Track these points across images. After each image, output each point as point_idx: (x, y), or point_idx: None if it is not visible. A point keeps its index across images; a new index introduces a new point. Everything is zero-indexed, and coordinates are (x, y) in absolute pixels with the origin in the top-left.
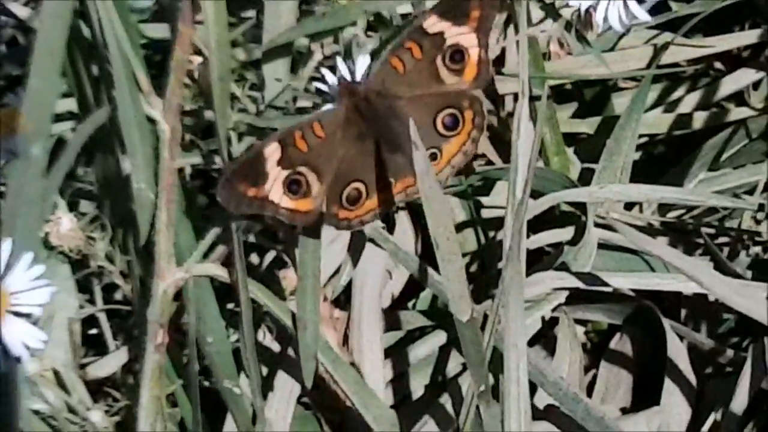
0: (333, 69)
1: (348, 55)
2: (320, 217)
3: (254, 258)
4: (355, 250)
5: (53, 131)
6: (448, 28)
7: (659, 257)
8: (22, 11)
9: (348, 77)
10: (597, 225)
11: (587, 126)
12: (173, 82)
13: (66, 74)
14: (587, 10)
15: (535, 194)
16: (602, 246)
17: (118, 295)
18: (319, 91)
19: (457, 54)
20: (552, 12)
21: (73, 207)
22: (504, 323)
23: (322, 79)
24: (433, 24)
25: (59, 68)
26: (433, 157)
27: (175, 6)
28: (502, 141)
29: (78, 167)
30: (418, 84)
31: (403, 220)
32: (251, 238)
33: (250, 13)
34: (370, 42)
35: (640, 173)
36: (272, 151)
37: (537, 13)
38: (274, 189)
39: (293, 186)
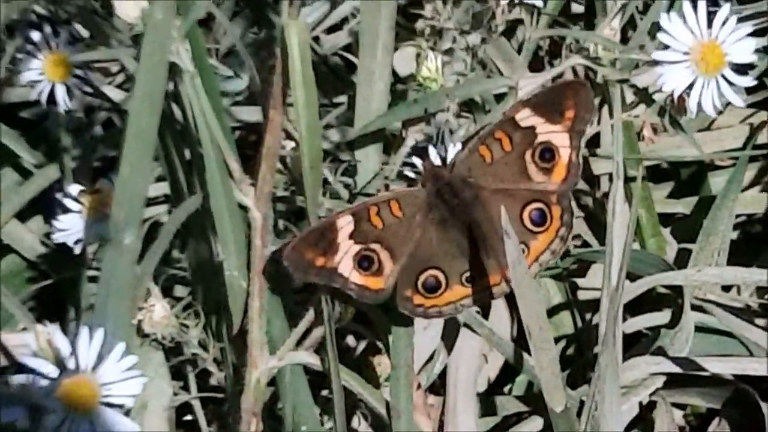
0: (424, 154)
1: (439, 140)
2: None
3: (351, 341)
4: (449, 336)
5: (147, 215)
6: (540, 124)
7: (756, 342)
8: (115, 94)
9: (438, 162)
10: (694, 308)
11: (683, 206)
12: (264, 169)
13: (159, 158)
14: (680, 96)
15: (631, 276)
16: (699, 329)
17: (212, 381)
18: (408, 178)
19: (548, 152)
20: (645, 97)
21: (167, 292)
22: (600, 411)
23: (413, 166)
24: (525, 117)
25: (151, 154)
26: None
27: (267, 89)
28: (597, 222)
29: (172, 251)
30: (505, 176)
31: (498, 304)
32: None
33: (342, 98)
34: (463, 126)
35: (738, 253)
36: (345, 223)
37: (630, 97)
38: (344, 262)
39: (364, 262)
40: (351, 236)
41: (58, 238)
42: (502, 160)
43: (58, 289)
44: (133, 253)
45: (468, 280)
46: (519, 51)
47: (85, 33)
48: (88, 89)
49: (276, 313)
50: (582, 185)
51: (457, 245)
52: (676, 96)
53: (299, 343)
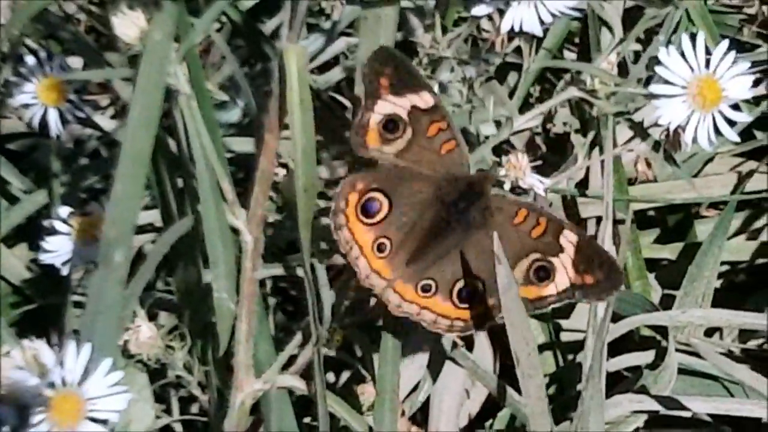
0: None
1: None
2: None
3: (332, 374)
4: (434, 367)
5: (134, 242)
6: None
7: (741, 382)
8: (107, 123)
9: None
10: (677, 350)
11: (669, 252)
12: (257, 193)
13: (150, 186)
14: (675, 130)
15: (616, 317)
16: (681, 371)
17: (194, 408)
18: None
19: (543, 271)
20: (640, 131)
21: (151, 318)
22: None
23: None
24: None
25: (144, 175)
26: None
27: (261, 119)
28: None
29: (158, 277)
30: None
31: (481, 338)
32: (330, 353)
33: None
34: None
35: (721, 301)
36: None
37: (621, 133)
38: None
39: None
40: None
41: (45, 259)
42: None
43: (42, 314)
44: (123, 271)
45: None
46: (510, 96)
47: (77, 64)
48: (81, 115)
49: (263, 337)
50: None
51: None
52: (671, 130)
53: (285, 367)
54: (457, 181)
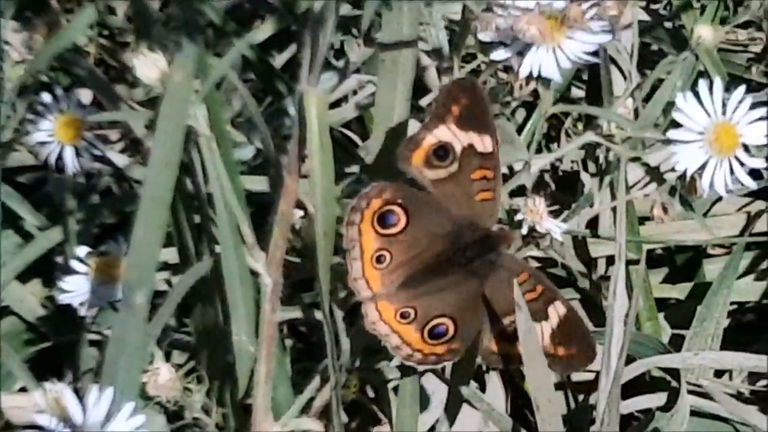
0: None
1: None
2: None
3: (347, 415)
4: (451, 410)
5: None
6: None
7: (753, 426)
8: (120, 159)
9: None
10: (687, 391)
11: (678, 291)
12: (277, 235)
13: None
14: (692, 175)
15: (627, 359)
16: (693, 413)
17: None
18: None
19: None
20: (656, 176)
21: (166, 359)
22: None
23: None
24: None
25: (166, 216)
26: None
27: (278, 159)
28: (593, 305)
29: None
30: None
31: (494, 379)
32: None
33: (354, 168)
34: None
35: (730, 341)
36: None
37: (633, 174)
38: None
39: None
40: None
41: (63, 299)
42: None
43: (55, 352)
44: (144, 313)
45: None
46: (518, 132)
47: (86, 97)
48: (96, 152)
49: (281, 380)
50: (579, 267)
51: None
52: (688, 175)
53: (303, 410)
54: (477, 230)
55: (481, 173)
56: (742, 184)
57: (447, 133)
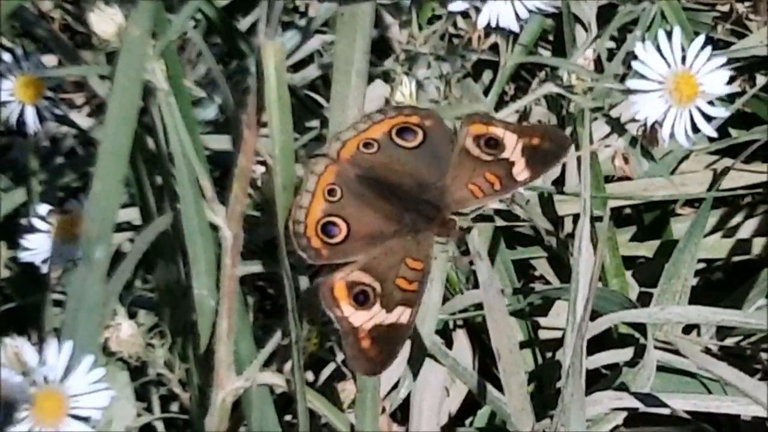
0: None
1: None
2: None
3: (312, 372)
4: (414, 364)
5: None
6: None
7: (720, 378)
8: (84, 121)
9: None
10: (655, 347)
11: (646, 249)
12: (237, 189)
13: (128, 184)
14: (653, 125)
15: (594, 315)
16: (660, 368)
17: (175, 406)
18: None
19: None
20: (618, 127)
21: (131, 316)
22: None
23: None
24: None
25: (123, 173)
26: None
27: (238, 117)
28: (560, 263)
29: (135, 277)
30: None
31: (460, 337)
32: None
33: (314, 123)
34: None
35: (698, 299)
36: None
37: (597, 130)
38: None
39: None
40: None
41: (25, 257)
42: None
43: (21, 312)
44: (103, 269)
45: None
46: (485, 93)
47: (52, 62)
48: (58, 112)
49: (243, 334)
50: (546, 225)
51: None
52: (648, 125)
53: (266, 365)
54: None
55: None
56: (701, 133)
57: None
